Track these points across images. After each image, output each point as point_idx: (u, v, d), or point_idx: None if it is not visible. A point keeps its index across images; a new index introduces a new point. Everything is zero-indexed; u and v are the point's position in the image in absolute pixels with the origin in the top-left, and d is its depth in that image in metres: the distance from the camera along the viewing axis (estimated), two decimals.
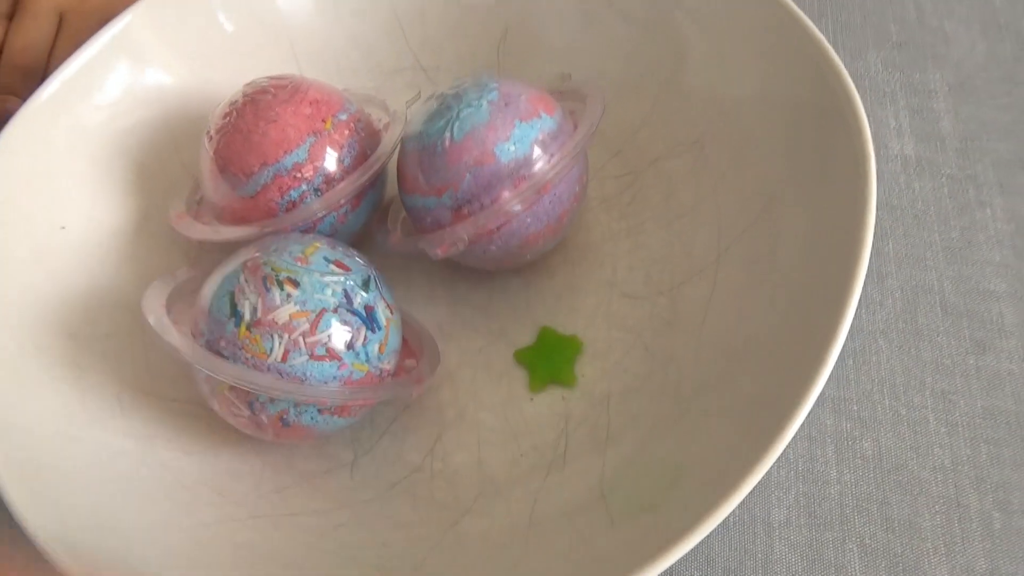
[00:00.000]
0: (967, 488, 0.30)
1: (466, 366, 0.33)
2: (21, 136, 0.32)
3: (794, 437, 0.30)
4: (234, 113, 0.32)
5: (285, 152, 0.31)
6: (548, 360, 0.33)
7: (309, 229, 0.32)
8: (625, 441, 0.29)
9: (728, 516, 0.30)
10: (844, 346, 0.32)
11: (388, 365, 0.30)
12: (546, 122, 0.30)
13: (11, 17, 0.43)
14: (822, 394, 0.32)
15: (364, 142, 0.33)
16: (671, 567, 0.29)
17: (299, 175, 0.32)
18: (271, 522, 0.29)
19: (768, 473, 0.31)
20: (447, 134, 0.30)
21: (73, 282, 0.32)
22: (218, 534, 0.28)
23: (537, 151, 0.30)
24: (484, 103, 0.30)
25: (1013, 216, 0.35)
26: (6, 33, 0.42)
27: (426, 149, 0.30)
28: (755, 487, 0.30)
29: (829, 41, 0.40)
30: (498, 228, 0.30)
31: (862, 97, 0.38)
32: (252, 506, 0.29)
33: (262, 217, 0.32)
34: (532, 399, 0.32)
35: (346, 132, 0.33)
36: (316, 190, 0.32)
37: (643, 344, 0.32)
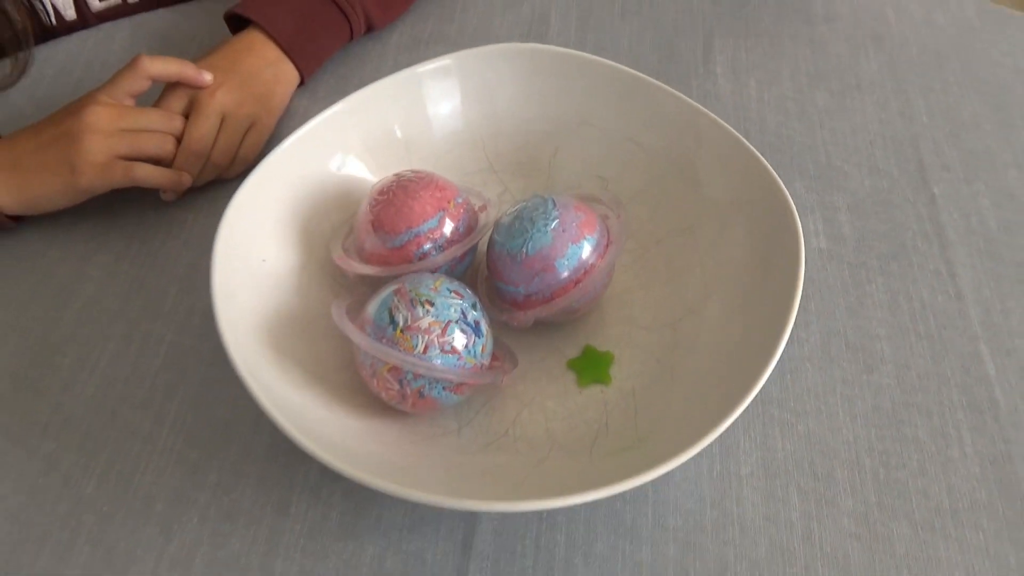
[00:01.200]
0: (863, 454, 0.46)
1: (533, 370, 0.49)
2: (244, 200, 0.47)
3: (754, 423, 0.47)
4: (390, 192, 0.48)
5: (423, 220, 0.47)
6: (591, 366, 0.48)
7: (432, 270, 0.48)
8: (648, 415, 0.45)
9: (712, 470, 0.46)
10: (783, 365, 0.49)
11: (486, 361, 0.45)
12: (589, 242, 0.46)
13: (187, 115, 0.58)
14: (770, 395, 0.48)
15: (471, 218, 0.50)
16: (675, 501, 0.44)
17: (430, 236, 0.47)
18: (414, 459, 0.43)
19: (739, 445, 0.47)
20: (523, 249, 0.45)
21: (271, 298, 0.47)
22: (388, 460, 0.42)
23: (582, 262, 0.45)
24: (549, 230, 0.45)
25: (888, 289, 0.54)
26: (184, 126, 0.58)
27: (508, 254, 0.46)
28: (730, 452, 0.47)
29: None
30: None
31: None
32: (401, 449, 0.43)
33: (401, 262, 0.48)
34: (581, 392, 0.48)
35: (461, 211, 0.49)
36: (439, 247, 0.48)
37: (655, 358, 0.48)
